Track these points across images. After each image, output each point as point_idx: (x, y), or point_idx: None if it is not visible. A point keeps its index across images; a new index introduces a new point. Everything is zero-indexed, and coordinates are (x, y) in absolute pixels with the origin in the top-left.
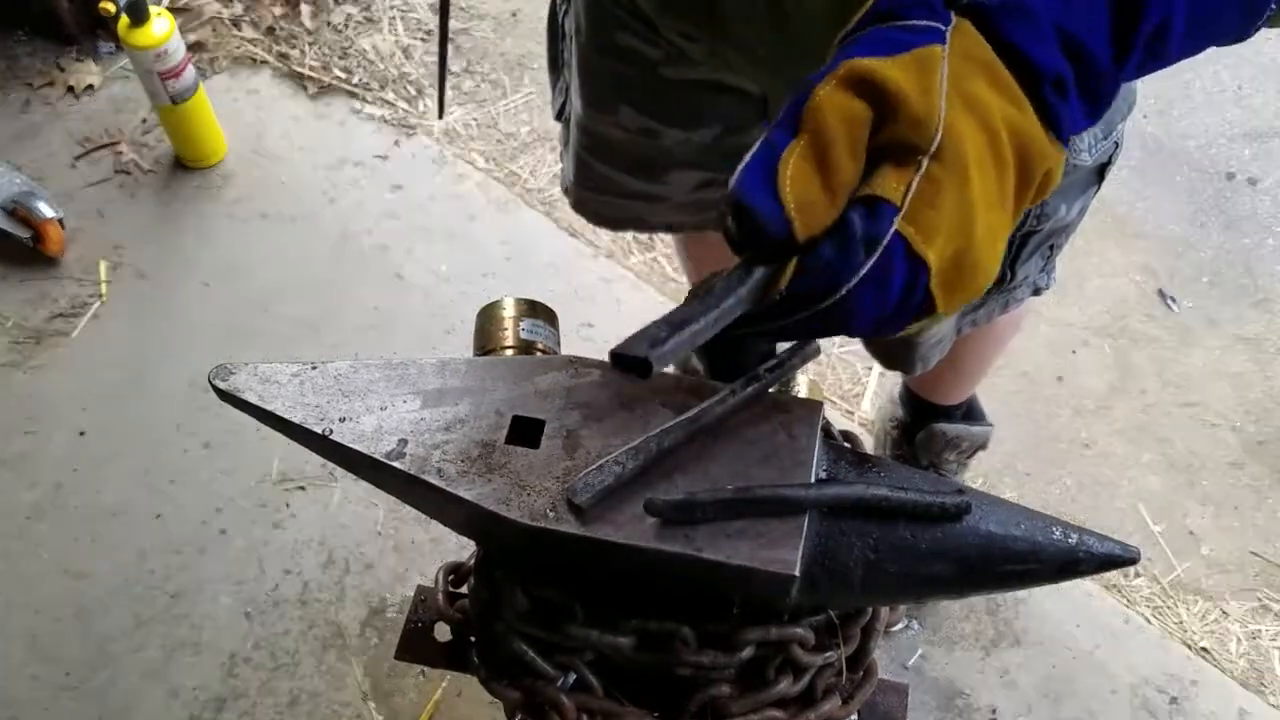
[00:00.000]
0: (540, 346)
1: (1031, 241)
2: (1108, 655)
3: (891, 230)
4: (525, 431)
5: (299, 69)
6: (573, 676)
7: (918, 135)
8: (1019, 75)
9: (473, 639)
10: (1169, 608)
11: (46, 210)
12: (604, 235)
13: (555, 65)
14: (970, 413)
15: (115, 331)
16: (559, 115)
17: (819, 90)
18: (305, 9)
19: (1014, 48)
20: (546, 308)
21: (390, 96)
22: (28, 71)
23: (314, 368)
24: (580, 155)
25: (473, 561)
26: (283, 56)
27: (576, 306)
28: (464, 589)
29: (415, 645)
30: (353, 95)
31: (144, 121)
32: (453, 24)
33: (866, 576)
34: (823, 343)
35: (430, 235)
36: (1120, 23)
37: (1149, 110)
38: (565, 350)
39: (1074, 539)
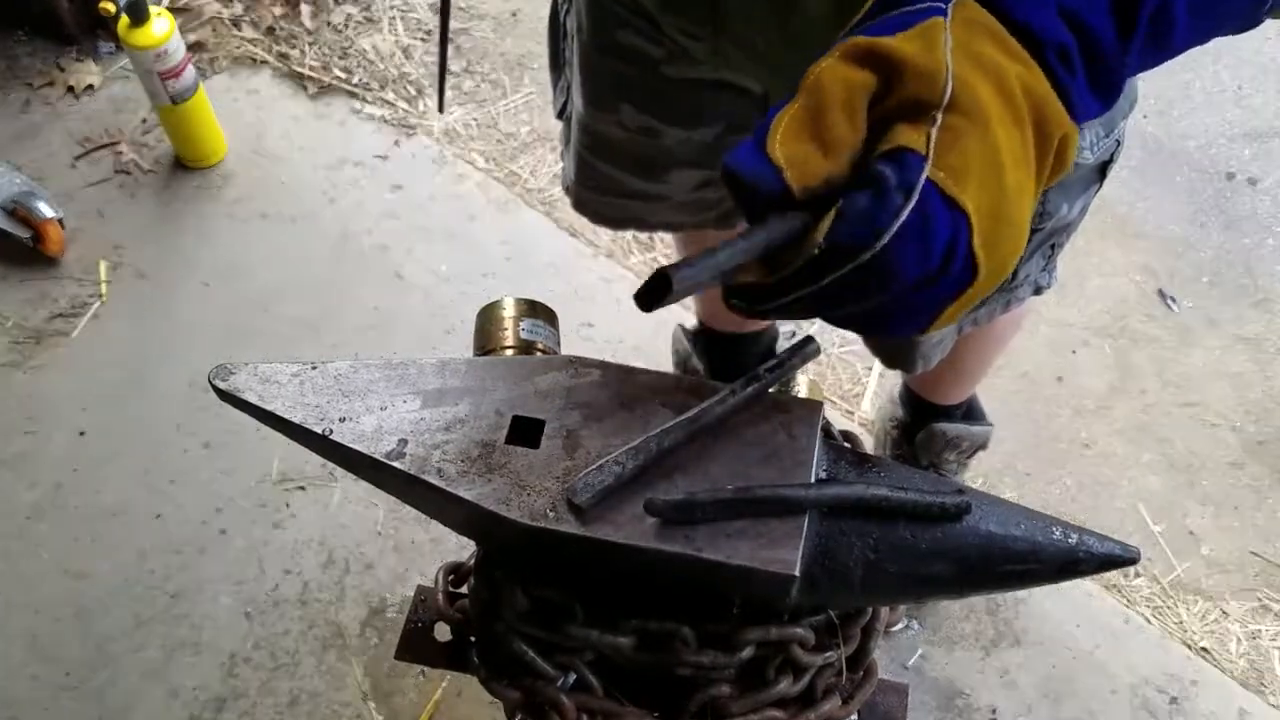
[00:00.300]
0: (540, 346)
1: (1033, 240)
2: (1108, 655)
3: (923, 176)
4: (525, 431)
5: (299, 69)
6: (573, 676)
7: (927, 90)
8: (1024, 44)
9: (473, 639)
10: (1169, 608)
11: (46, 210)
12: (604, 235)
13: (556, 64)
14: (970, 412)
15: (115, 331)
16: (560, 114)
17: (818, 63)
18: (305, 9)
19: (1016, 22)
20: (546, 308)
21: (390, 96)
22: (28, 71)
23: (314, 368)
24: (581, 154)
25: (473, 561)
26: (283, 56)
27: (576, 306)
28: (464, 589)
29: (415, 645)
30: (353, 95)
31: (144, 121)
32: (453, 24)
33: (866, 576)
34: (823, 343)
35: (430, 235)
36: (1121, 1)
37: (1149, 110)
38: (565, 350)
39: (1074, 539)
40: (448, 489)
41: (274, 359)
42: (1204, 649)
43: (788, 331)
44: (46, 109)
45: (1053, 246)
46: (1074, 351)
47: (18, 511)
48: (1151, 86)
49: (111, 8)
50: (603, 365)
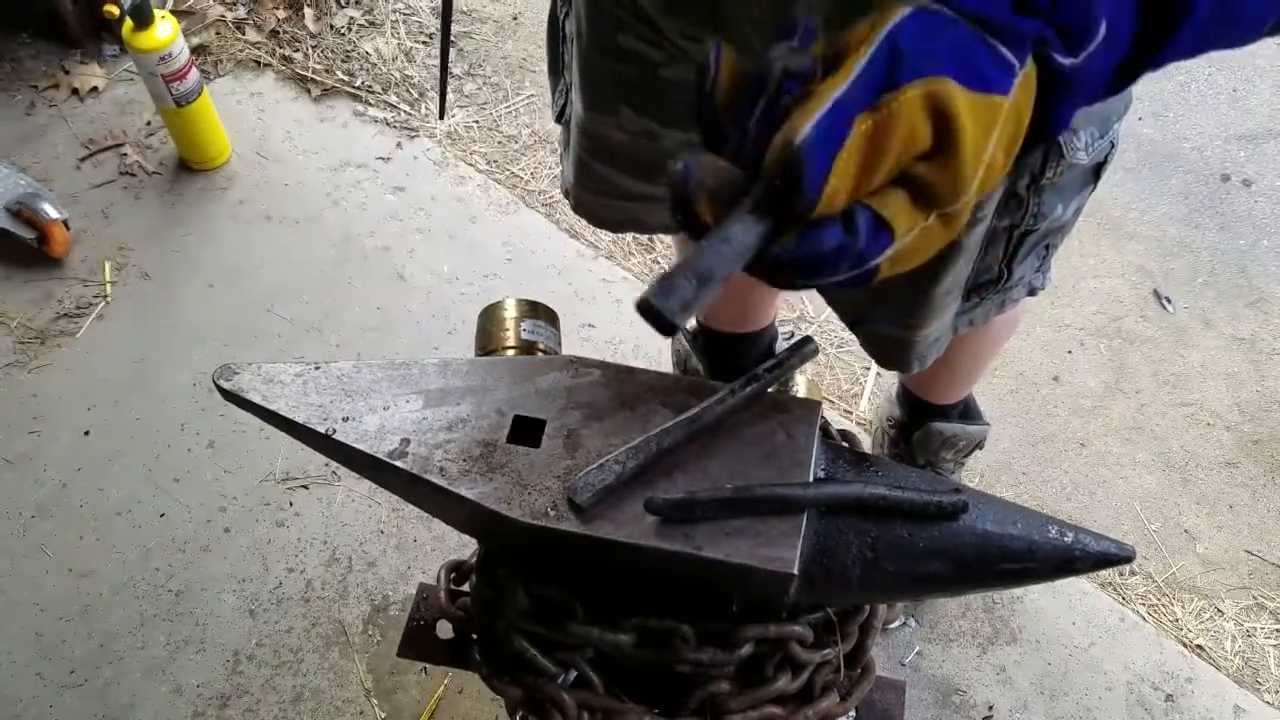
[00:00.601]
0: (541, 347)
1: (1027, 241)
2: (1103, 653)
3: (883, 257)
4: (526, 431)
5: (302, 72)
6: (573, 674)
7: (948, 197)
8: (1033, 130)
9: (474, 636)
10: (1164, 605)
11: (51, 211)
12: (604, 237)
13: (556, 68)
14: (967, 412)
15: (120, 332)
16: (559, 118)
17: (909, 91)
18: (308, 12)
19: (1050, 120)
20: (548, 308)
21: (393, 99)
22: (32, 74)
23: (317, 368)
24: (581, 157)
25: (474, 560)
26: (286, 59)
27: (577, 307)
28: (466, 587)
29: (418, 643)
30: (355, 98)
31: (148, 124)
32: (454, 28)
33: (864, 575)
34: (821, 343)
35: (432, 236)
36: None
37: (1145, 112)
38: (566, 350)
39: (1070, 537)
40: (450, 488)
41: (277, 359)
42: (1199, 646)
43: (786, 332)
44: (51, 111)
45: (1047, 247)
46: (1070, 352)
47: (23, 510)
48: (1147, 88)
49: (116, 10)
50: (603, 365)
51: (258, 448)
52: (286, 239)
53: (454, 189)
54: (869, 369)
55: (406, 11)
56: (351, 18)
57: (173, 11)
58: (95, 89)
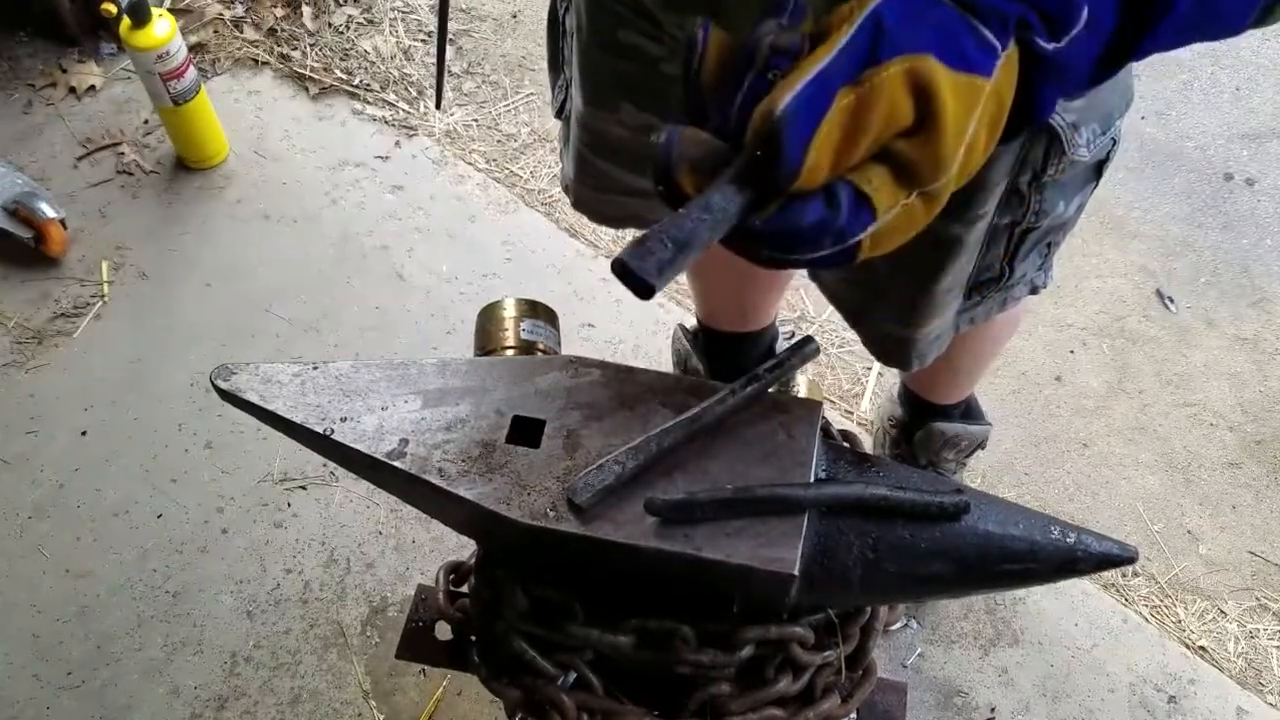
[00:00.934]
0: (541, 347)
1: (1029, 239)
2: (1106, 654)
3: (865, 234)
4: (526, 431)
5: (300, 70)
6: (573, 675)
7: (931, 174)
8: (1016, 113)
9: (473, 638)
10: (1167, 607)
11: (48, 211)
12: (604, 236)
13: (556, 64)
14: (969, 412)
15: (117, 331)
16: (559, 113)
17: (891, 67)
18: (306, 10)
19: (1034, 103)
20: (547, 308)
21: (391, 98)
22: (29, 72)
23: (315, 368)
24: (581, 153)
25: (473, 561)
26: (284, 58)
27: (576, 307)
28: (465, 588)
29: (416, 644)
30: (354, 96)
31: (146, 122)
32: (453, 26)
33: (865, 576)
34: (822, 343)
35: (431, 236)
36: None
37: (1147, 111)
38: (565, 350)
39: (1072, 538)
40: (448, 489)
41: (275, 359)
42: (1202, 648)
43: (787, 332)
44: (48, 110)
45: (1049, 245)
46: (1072, 351)
47: (20, 511)
48: (1149, 87)
49: (113, 9)
50: (603, 365)
51: (255, 448)
52: (284, 238)
53: (453, 188)
54: (870, 369)
55: (405, 9)
56: (350, 16)
57: (170, 10)
58: (93, 88)
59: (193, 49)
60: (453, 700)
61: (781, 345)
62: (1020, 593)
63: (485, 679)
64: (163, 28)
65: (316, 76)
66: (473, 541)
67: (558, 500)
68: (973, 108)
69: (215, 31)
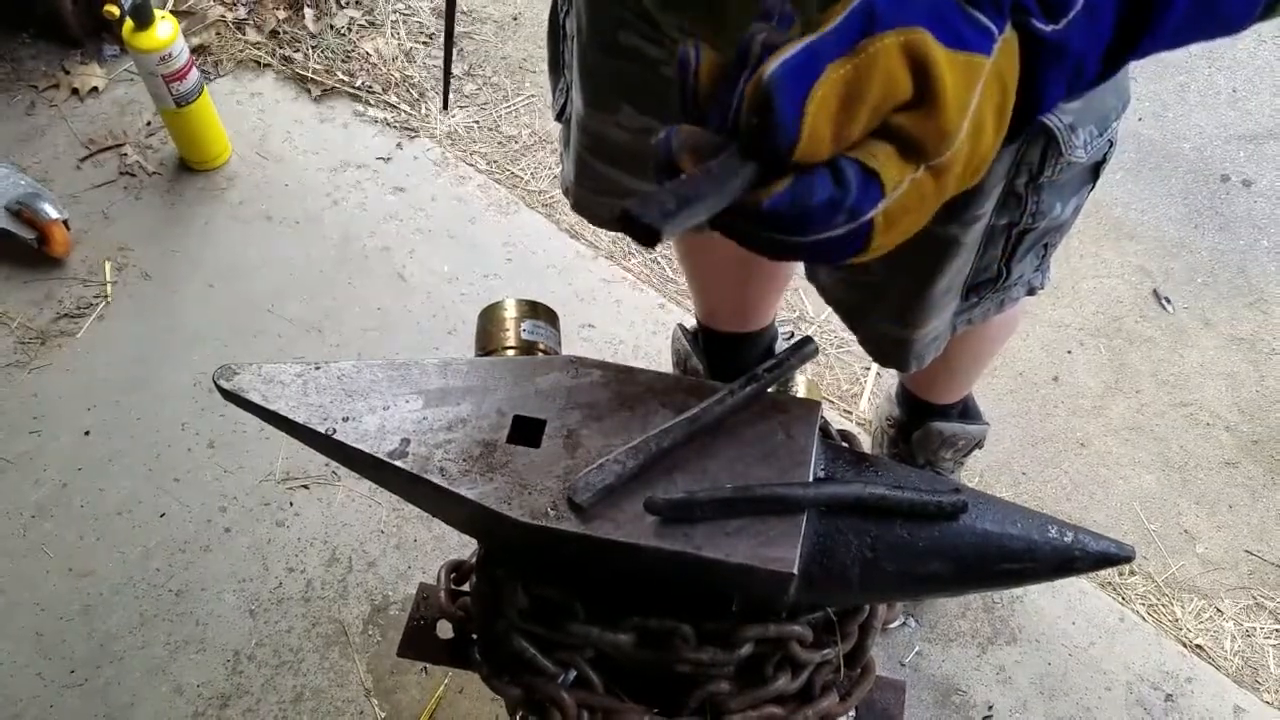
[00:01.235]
0: (541, 347)
1: (1026, 240)
2: (1103, 652)
3: (876, 211)
4: (526, 431)
5: (302, 72)
6: (573, 673)
7: (934, 147)
8: (1022, 100)
9: (474, 636)
10: (1164, 605)
11: (51, 211)
12: (604, 237)
13: (556, 66)
14: (966, 411)
15: (120, 332)
16: (559, 116)
17: (885, 38)
18: (308, 13)
19: (1038, 90)
20: (547, 309)
21: (393, 99)
22: (32, 74)
23: (317, 368)
24: (581, 155)
25: (474, 559)
26: (286, 60)
27: (577, 307)
28: (466, 587)
29: (418, 642)
30: (355, 98)
31: (148, 124)
32: (455, 28)
33: (864, 574)
34: (821, 343)
35: (432, 237)
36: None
37: (1144, 112)
38: (566, 351)
39: (1070, 537)
40: (450, 488)
41: (277, 359)
42: (1199, 646)
43: (786, 332)
44: (51, 111)
45: (1045, 246)
46: (1069, 352)
47: (23, 510)
48: (1147, 88)
49: (116, 11)
50: (603, 365)
51: (258, 448)
52: (287, 239)
53: (454, 189)
54: (869, 369)
55: (406, 12)
56: (352, 18)
57: (173, 12)
58: (95, 89)
59: (195, 51)
60: (454, 698)
61: (781, 345)
62: (1018, 591)
63: (486, 677)
64: (165, 30)
65: (318, 78)
66: (474, 540)
67: (558, 499)
68: (972, 83)
69: (217, 33)
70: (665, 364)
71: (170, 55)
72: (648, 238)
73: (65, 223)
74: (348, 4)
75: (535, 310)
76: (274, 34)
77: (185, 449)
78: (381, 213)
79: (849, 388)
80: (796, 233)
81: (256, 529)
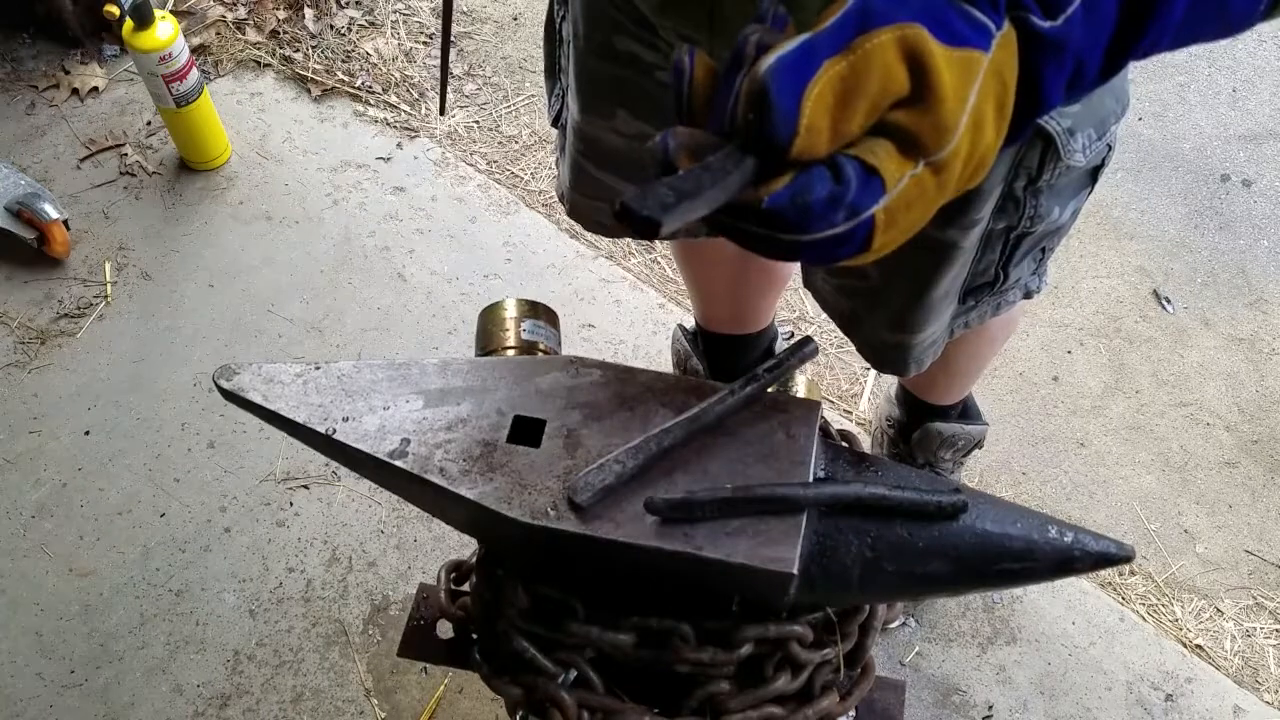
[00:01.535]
0: (541, 347)
1: (1024, 244)
2: (1103, 652)
3: (877, 207)
4: (526, 431)
5: (302, 72)
6: (573, 673)
7: (933, 143)
8: (1024, 98)
9: (475, 636)
10: (1164, 605)
11: (52, 212)
12: (603, 237)
13: (552, 72)
14: (966, 412)
15: (120, 332)
16: (555, 121)
17: (881, 34)
18: (308, 13)
19: (1038, 87)
20: (548, 309)
21: (393, 99)
22: (32, 74)
23: (317, 368)
24: (577, 161)
25: (474, 559)
26: (286, 60)
27: (577, 307)
28: (466, 587)
29: (418, 642)
30: (355, 98)
31: (148, 124)
32: (454, 28)
33: (864, 574)
34: (821, 343)
35: (432, 237)
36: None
37: (1144, 113)
38: (566, 350)
39: (1069, 537)
40: (450, 488)
41: (278, 359)
42: (1199, 646)
43: (786, 332)
44: (51, 111)
45: (1043, 250)
46: (1069, 352)
47: (23, 510)
48: (1146, 89)
49: (116, 11)
50: (603, 365)
51: (258, 447)
52: (286, 239)
53: (454, 189)
54: (869, 369)
55: (406, 12)
56: (352, 18)
57: (173, 12)
58: (95, 89)
59: (195, 51)
60: (454, 698)
61: (781, 345)
62: (1018, 591)
63: (486, 677)
64: (165, 30)
65: (318, 78)
66: (474, 540)
67: (558, 499)
68: (970, 79)
69: (217, 33)
70: (665, 364)
71: (170, 55)
72: (646, 230)
73: (65, 223)
74: (348, 4)
75: (535, 310)
76: (274, 34)
77: (185, 449)
78: (381, 213)
79: (849, 388)
80: (797, 231)
81: (256, 529)
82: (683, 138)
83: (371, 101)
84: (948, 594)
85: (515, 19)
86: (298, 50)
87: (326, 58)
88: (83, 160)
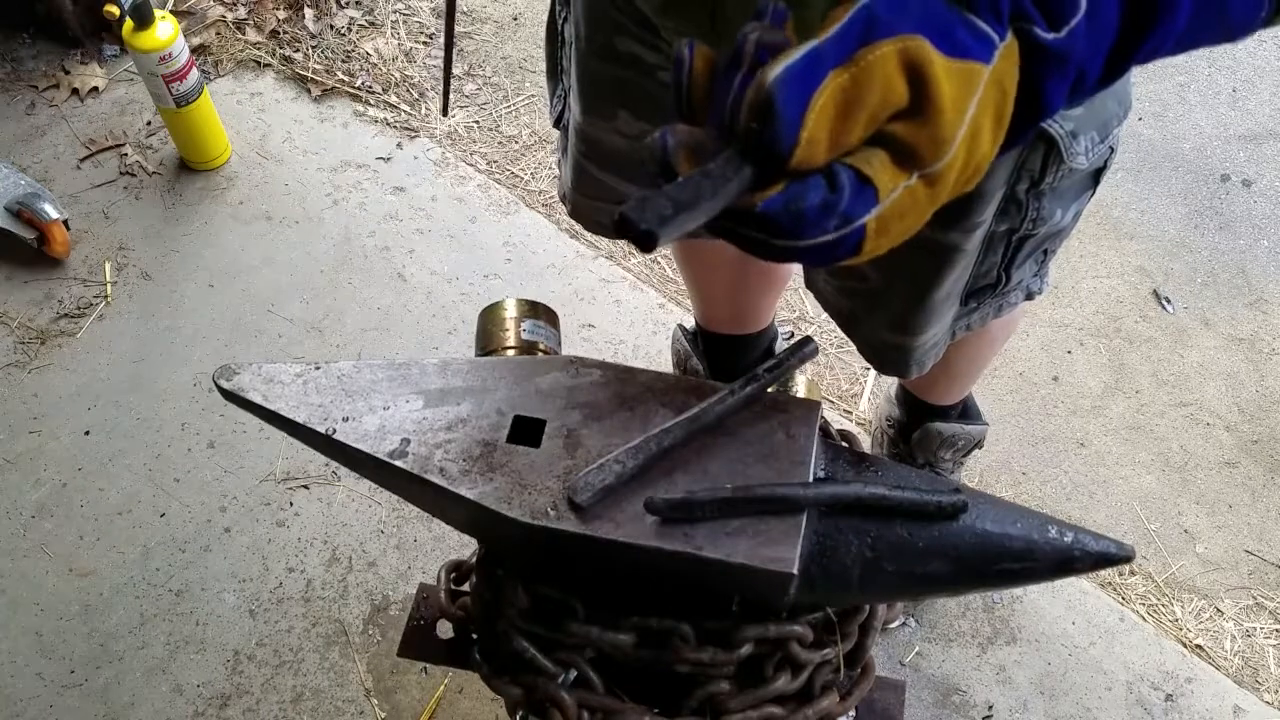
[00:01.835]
0: (541, 347)
1: (1026, 245)
2: (1103, 652)
3: (869, 217)
4: (526, 431)
5: (302, 72)
6: (573, 673)
7: (930, 155)
8: (1024, 106)
9: (475, 636)
10: (1164, 605)
11: (52, 212)
12: (604, 238)
13: (554, 73)
14: (966, 412)
15: (120, 331)
16: (557, 123)
17: (883, 46)
18: (308, 13)
19: (1039, 97)
20: (548, 309)
21: (393, 99)
22: (32, 74)
23: (317, 368)
24: (578, 162)
25: (474, 559)
26: (286, 60)
27: (577, 307)
28: (466, 587)
29: (418, 642)
30: (355, 98)
31: (148, 124)
32: (455, 28)
33: (864, 574)
34: (821, 343)
35: (432, 237)
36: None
37: (1145, 113)
38: (566, 350)
39: (1069, 537)
40: (450, 488)
41: (278, 359)
42: (1199, 646)
43: (786, 332)
44: (51, 111)
45: (1045, 252)
46: (1069, 352)
47: (23, 510)
48: (1147, 89)
49: (116, 11)
50: (603, 365)
51: (258, 447)
52: (286, 239)
53: (454, 189)
54: (869, 369)
55: (406, 12)
56: (352, 18)
57: (173, 12)
58: (95, 89)
59: (195, 51)
60: (454, 698)
61: (781, 345)
62: (1018, 591)
63: (486, 677)
64: (165, 30)
65: (318, 78)
66: (474, 540)
67: (558, 499)
68: (970, 91)
69: (217, 33)
70: (665, 364)
71: (170, 55)
72: (645, 242)
73: (65, 223)
74: (348, 4)
75: (535, 310)
76: (274, 34)
77: (185, 449)
78: (381, 213)
79: (849, 388)
80: (789, 236)
81: (256, 529)
82: (681, 136)
83: (371, 101)
84: (948, 594)
85: (515, 19)
86: (298, 50)
87: (326, 58)
88: (83, 160)
